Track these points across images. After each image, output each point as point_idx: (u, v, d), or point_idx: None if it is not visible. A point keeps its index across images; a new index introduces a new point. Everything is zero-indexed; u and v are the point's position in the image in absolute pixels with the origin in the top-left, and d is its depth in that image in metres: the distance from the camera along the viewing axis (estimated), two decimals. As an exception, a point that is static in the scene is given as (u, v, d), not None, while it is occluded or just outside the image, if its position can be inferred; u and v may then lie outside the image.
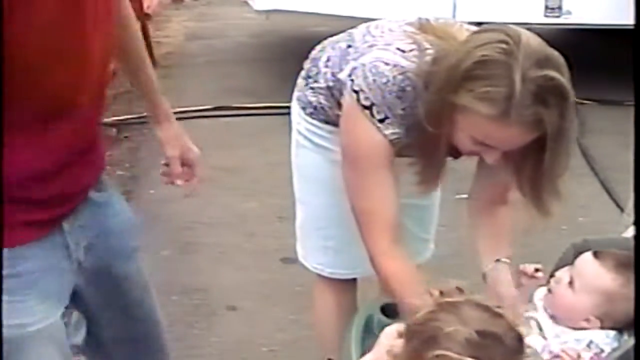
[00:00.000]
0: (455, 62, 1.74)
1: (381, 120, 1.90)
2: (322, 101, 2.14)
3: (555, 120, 1.71)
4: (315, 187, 2.22)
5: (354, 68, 1.94)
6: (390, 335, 1.53)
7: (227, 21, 8.38)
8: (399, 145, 1.95)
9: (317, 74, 2.15)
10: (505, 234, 2.16)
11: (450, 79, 1.75)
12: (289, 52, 4.26)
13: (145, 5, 7.01)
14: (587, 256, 1.89)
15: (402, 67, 1.89)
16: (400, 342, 1.49)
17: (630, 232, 2.10)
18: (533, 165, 1.83)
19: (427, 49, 1.90)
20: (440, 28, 1.96)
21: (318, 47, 2.23)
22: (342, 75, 1.99)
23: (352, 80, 1.92)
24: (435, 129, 1.79)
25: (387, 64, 1.89)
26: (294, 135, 2.27)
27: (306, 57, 2.25)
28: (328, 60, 2.13)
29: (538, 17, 5.38)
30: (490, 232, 2.14)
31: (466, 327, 1.40)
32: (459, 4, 5.52)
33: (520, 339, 1.43)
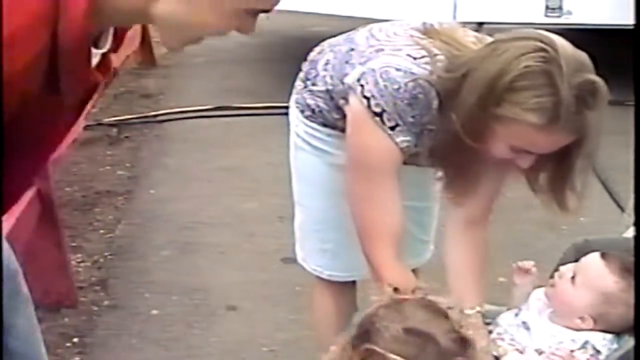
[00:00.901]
0: (496, 74, 1.72)
1: (392, 128, 1.88)
2: (321, 104, 2.13)
3: (595, 122, 1.74)
4: (314, 190, 2.22)
5: (363, 73, 1.91)
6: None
7: (227, 21, 8.37)
8: (408, 153, 1.94)
9: (316, 76, 2.14)
10: (479, 271, 2.11)
11: (491, 91, 1.73)
12: (289, 52, 4.25)
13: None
14: (594, 256, 1.90)
15: (414, 74, 1.87)
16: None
17: (630, 232, 2.11)
18: (563, 161, 1.84)
19: (436, 55, 1.89)
20: (445, 33, 1.95)
21: (317, 50, 2.22)
22: (350, 80, 1.95)
23: (362, 85, 1.90)
24: (472, 141, 1.76)
25: (398, 70, 1.88)
26: (292, 137, 2.26)
27: (306, 58, 2.24)
28: (327, 63, 2.12)
29: (539, 17, 5.37)
30: (463, 266, 2.09)
31: (399, 324, 1.39)
32: (459, 4, 5.51)
33: (462, 341, 1.40)
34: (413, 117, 1.88)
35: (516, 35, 1.81)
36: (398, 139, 1.89)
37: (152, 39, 7.03)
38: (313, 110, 2.15)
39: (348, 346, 1.43)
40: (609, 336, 1.85)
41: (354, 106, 1.94)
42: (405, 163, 2.05)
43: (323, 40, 2.24)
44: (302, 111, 2.19)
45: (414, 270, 2.38)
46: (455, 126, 1.78)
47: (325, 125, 2.14)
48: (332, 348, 1.47)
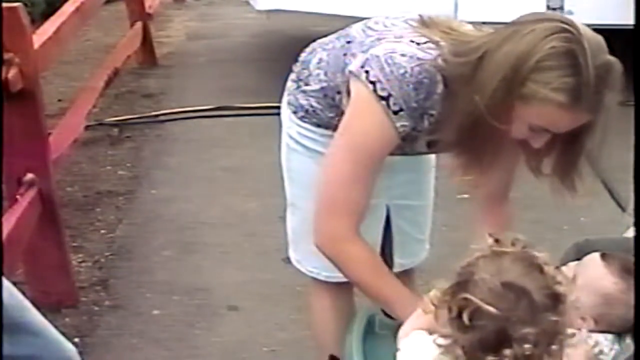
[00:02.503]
0: (521, 55, 1.73)
1: (395, 112, 1.89)
2: (314, 104, 2.12)
3: (612, 102, 1.77)
4: (309, 192, 2.21)
5: (367, 59, 1.91)
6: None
7: (228, 21, 8.38)
8: (404, 136, 1.95)
9: (309, 76, 2.13)
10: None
11: (516, 72, 1.74)
12: (290, 52, 4.23)
13: (147, 5, 7.01)
14: (595, 256, 1.89)
15: (419, 58, 1.88)
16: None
17: (631, 232, 2.10)
18: (573, 142, 1.85)
19: (439, 41, 1.90)
20: (442, 23, 1.97)
21: (307, 50, 2.21)
22: (353, 67, 1.95)
23: (367, 71, 1.90)
24: (496, 121, 1.77)
25: (403, 55, 1.88)
26: (285, 139, 2.25)
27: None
28: (320, 62, 2.11)
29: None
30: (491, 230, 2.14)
31: (496, 277, 1.48)
32: (460, 3, 5.51)
33: (554, 297, 1.49)
34: (416, 101, 1.89)
35: (537, 17, 1.82)
36: (399, 124, 1.90)
37: (153, 39, 7.05)
38: (307, 111, 2.15)
39: (448, 293, 1.52)
40: (610, 336, 1.85)
41: (358, 91, 1.94)
42: (404, 153, 2.05)
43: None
44: (294, 112, 2.18)
45: (410, 270, 2.38)
46: (475, 107, 1.78)
47: (319, 125, 2.14)
48: (432, 292, 1.57)
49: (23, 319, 1.93)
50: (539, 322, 1.47)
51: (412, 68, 1.87)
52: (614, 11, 4.87)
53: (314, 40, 2.25)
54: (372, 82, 1.89)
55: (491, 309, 1.46)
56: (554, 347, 1.49)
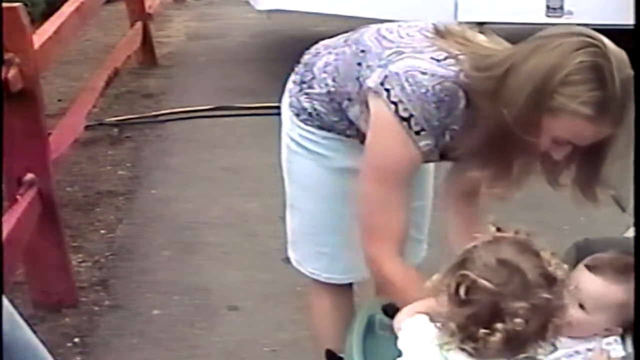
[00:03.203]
0: (550, 68, 1.75)
1: (417, 132, 1.88)
2: (318, 107, 2.12)
3: (632, 114, 1.79)
4: (310, 194, 2.21)
5: (386, 76, 1.90)
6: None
7: (228, 21, 8.38)
8: (427, 157, 1.95)
9: (312, 79, 2.13)
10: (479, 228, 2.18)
11: (545, 85, 1.75)
12: (290, 52, 4.24)
13: (147, 5, 7.01)
14: (587, 274, 1.86)
15: (441, 76, 1.87)
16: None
17: (631, 232, 2.10)
18: (595, 155, 1.86)
19: (458, 55, 1.89)
20: (456, 33, 1.96)
21: (311, 52, 2.20)
22: (372, 83, 1.93)
23: (387, 90, 1.89)
24: (525, 134, 1.78)
25: (424, 73, 1.87)
26: (285, 140, 2.25)
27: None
28: (326, 65, 2.10)
29: (540, 17, 5.37)
30: (464, 233, 2.14)
31: (492, 255, 1.58)
32: (460, 4, 5.51)
33: (548, 278, 1.57)
34: (438, 119, 1.89)
35: (564, 31, 1.83)
36: (422, 143, 1.90)
37: (153, 39, 7.05)
38: (310, 114, 2.14)
39: (447, 272, 1.62)
40: (620, 339, 1.85)
41: (378, 110, 1.93)
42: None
43: (322, 40, 2.24)
44: (297, 114, 2.17)
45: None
46: (504, 121, 1.79)
47: (321, 128, 2.13)
48: (434, 276, 1.66)
49: (13, 334, 1.93)
50: (530, 298, 1.54)
51: (433, 87, 1.87)
52: (614, 11, 4.86)
53: (315, 41, 2.25)
54: (394, 103, 1.88)
55: (486, 282, 1.55)
56: (547, 330, 1.55)
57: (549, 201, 3.11)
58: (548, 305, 1.55)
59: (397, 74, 1.89)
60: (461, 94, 1.88)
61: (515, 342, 1.55)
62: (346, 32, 2.18)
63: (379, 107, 1.92)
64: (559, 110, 1.76)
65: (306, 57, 2.21)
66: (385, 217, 1.97)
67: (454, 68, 1.88)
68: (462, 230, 2.19)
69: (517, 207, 3.69)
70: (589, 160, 1.89)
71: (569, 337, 1.85)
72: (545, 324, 1.56)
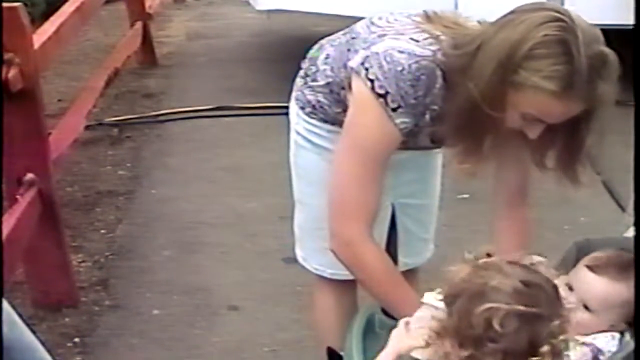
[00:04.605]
0: (515, 42, 1.75)
1: (394, 109, 1.90)
2: (321, 99, 2.13)
3: (606, 93, 1.77)
4: (316, 189, 2.21)
5: (367, 56, 1.93)
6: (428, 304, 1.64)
7: (228, 21, 8.37)
8: (406, 133, 1.95)
9: (316, 72, 2.15)
10: (528, 232, 2.16)
11: (510, 59, 1.75)
12: (290, 52, 4.24)
13: (147, 5, 7.01)
14: (589, 275, 1.85)
15: (417, 55, 1.89)
16: (441, 307, 1.57)
17: (631, 232, 2.10)
18: (573, 135, 1.86)
19: (439, 36, 1.91)
20: (447, 18, 1.98)
21: (315, 47, 2.23)
22: (354, 64, 1.96)
23: (366, 69, 1.91)
24: (490, 109, 1.78)
25: (401, 52, 1.89)
26: (293, 135, 2.26)
27: (305, 57, 2.24)
28: (327, 57, 2.13)
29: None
30: (512, 231, 2.14)
31: (510, 279, 1.49)
32: (460, 3, 5.51)
33: (556, 289, 1.54)
34: (415, 98, 1.90)
35: (533, 6, 1.84)
36: (398, 120, 1.91)
37: (153, 39, 7.05)
38: (314, 106, 2.16)
39: (462, 312, 1.49)
40: (617, 335, 1.85)
41: (357, 88, 1.95)
42: (407, 148, 2.05)
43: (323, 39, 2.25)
44: (302, 108, 2.19)
45: (414, 270, 2.39)
46: (471, 96, 1.79)
47: (325, 121, 2.15)
48: (420, 329, 1.57)
49: (12, 334, 1.93)
50: (558, 313, 1.50)
51: (409, 65, 1.88)
52: (614, 11, 4.86)
53: (315, 41, 2.26)
54: (371, 80, 1.90)
55: (523, 308, 1.46)
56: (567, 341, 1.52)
57: (549, 201, 3.11)
58: (569, 316, 1.53)
59: (377, 53, 1.91)
60: (438, 72, 1.90)
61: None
62: (347, 31, 2.19)
63: (357, 86, 1.95)
64: (523, 84, 1.76)
65: (311, 52, 2.24)
66: (357, 194, 1.97)
67: (432, 47, 1.90)
68: (513, 241, 2.11)
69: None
70: (568, 141, 1.89)
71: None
72: (566, 334, 1.52)
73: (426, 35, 1.92)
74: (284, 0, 5.87)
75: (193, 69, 6.83)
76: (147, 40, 6.84)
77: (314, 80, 2.15)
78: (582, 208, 3.81)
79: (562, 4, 5.35)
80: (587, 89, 1.75)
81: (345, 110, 2.09)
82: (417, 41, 1.92)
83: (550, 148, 1.92)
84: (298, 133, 2.23)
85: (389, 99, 1.90)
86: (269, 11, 6.11)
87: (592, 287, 1.84)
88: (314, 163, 2.20)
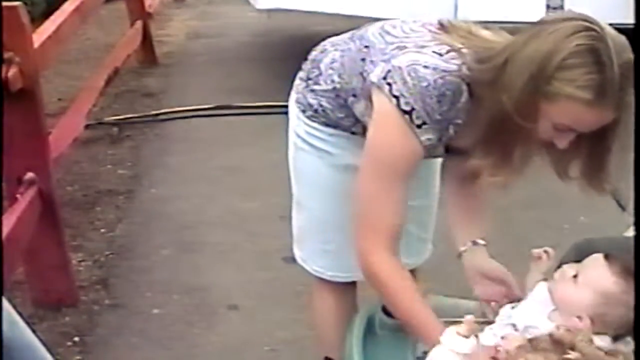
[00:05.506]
0: (547, 53, 1.75)
1: (419, 126, 1.88)
2: (324, 103, 2.12)
3: (631, 100, 1.77)
4: (315, 191, 2.21)
5: (389, 71, 1.90)
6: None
7: (228, 20, 8.38)
8: (429, 152, 1.95)
9: (319, 75, 2.13)
10: (479, 208, 2.20)
11: (542, 70, 1.75)
12: (290, 51, 4.25)
13: (147, 4, 7.01)
14: (598, 256, 1.89)
15: (442, 70, 1.87)
16: (462, 351, 1.63)
17: (631, 232, 2.10)
18: (599, 143, 1.86)
19: (461, 48, 1.89)
20: (461, 28, 1.96)
21: (318, 49, 2.21)
22: (375, 78, 1.93)
23: (389, 84, 1.89)
24: (524, 121, 1.78)
25: (426, 67, 1.87)
26: (292, 137, 2.25)
27: (307, 57, 2.24)
28: (333, 62, 2.11)
29: (540, 15, 5.33)
30: (462, 206, 2.19)
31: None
32: (460, 3, 5.51)
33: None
34: (440, 114, 1.88)
35: (561, 16, 1.84)
36: (423, 137, 1.89)
37: (153, 38, 7.05)
38: (315, 110, 2.14)
39: None
40: (607, 338, 1.85)
41: (381, 104, 1.92)
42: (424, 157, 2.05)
43: (324, 39, 2.24)
44: (303, 111, 2.18)
45: (413, 270, 2.38)
46: (503, 108, 1.79)
47: (327, 125, 2.14)
48: None
49: (12, 333, 1.93)
50: None
51: (435, 80, 1.86)
52: (614, 11, 4.86)
53: (315, 40, 2.25)
54: (396, 97, 1.87)
55: None
56: None
57: (549, 200, 3.12)
58: None
59: (399, 67, 1.88)
60: (464, 87, 1.88)
61: None
62: (348, 30, 2.18)
63: (381, 101, 1.92)
64: (557, 95, 1.76)
65: (313, 54, 2.21)
66: (380, 210, 1.95)
67: (456, 62, 1.88)
68: (463, 215, 2.19)
69: (517, 207, 3.70)
70: (594, 149, 1.88)
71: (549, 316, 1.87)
72: None
73: (448, 48, 1.90)
74: (284, -1, 5.88)
75: (193, 68, 6.83)
76: (147, 39, 6.84)
77: (317, 83, 2.14)
78: (582, 208, 3.81)
79: (563, 3, 5.36)
80: (619, 97, 1.75)
81: (349, 116, 2.08)
82: (441, 55, 1.89)
83: (575, 158, 1.91)
84: (298, 135, 2.21)
85: (414, 115, 1.87)
86: (269, 10, 6.11)
87: (593, 264, 1.85)
88: (315, 166, 2.19)
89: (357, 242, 1.99)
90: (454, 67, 1.87)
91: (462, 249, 2.15)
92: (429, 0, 5.19)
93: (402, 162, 1.94)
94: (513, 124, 1.79)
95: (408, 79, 1.87)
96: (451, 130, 1.93)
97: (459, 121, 1.92)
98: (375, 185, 1.95)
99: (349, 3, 5.61)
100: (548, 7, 5.40)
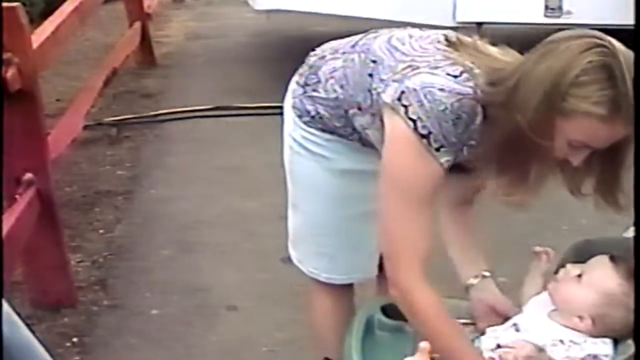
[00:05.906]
0: (560, 71, 1.75)
1: (437, 149, 1.87)
2: (321, 111, 2.11)
3: None
4: (311, 195, 2.20)
5: (403, 92, 1.88)
6: None
7: (227, 21, 8.38)
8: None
9: (318, 83, 2.12)
10: (475, 235, 2.20)
11: (556, 88, 1.75)
12: (289, 52, 4.25)
13: (145, 4, 7.01)
14: (604, 257, 1.89)
15: (458, 93, 1.86)
16: None
17: (631, 232, 2.10)
18: (612, 159, 1.86)
19: (472, 69, 1.88)
20: (467, 44, 1.96)
21: (317, 54, 2.19)
22: (388, 99, 1.91)
23: (405, 106, 1.87)
24: (540, 139, 1.78)
25: (442, 90, 1.85)
26: (288, 141, 2.23)
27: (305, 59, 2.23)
28: (333, 70, 2.09)
29: (538, 17, 5.36)
30: (461, 235, 2.19)
31: None
32: (459, 4, 5.50)
33: None
34: (455, 136, 1.87)
35: (571, 34, 1.83)
36: (442, 160, 1.88)
37: (152, 39, 7.05)
38: (313, 117, 2.13)
39: None
40: (608, 341, 1.85)
41: (395, 126, 1.90)
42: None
43: (323, 40, 2.23)
44: (300, 116, 2.16)
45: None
46: (518, 127, 1.78)
47: (323, 130, 2.12)
48: None
49: (11, 334, 1.92)
50: None
51: (452, 104, 1.85)
52: (613, 11, 4.86)
53: (314, 41, 2.24)
54: (413, 120, 1.86)
55: None
56: None
57: (548, 201, 3.11)
58: None
59: (414, 90, 1.86)
60: (479, 109, 1.87)
61: None
62: (346, 32, 2.17)
63: (396, 124, 1.89)
64: (572, 112, 1.76)
65: (312, 59, 2.19)
66: (412, 238, 1.92)
67: (470, 84, 1.87)
68: (463, 244, 2.20)
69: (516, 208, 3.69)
70: (608, 166, 1.88)
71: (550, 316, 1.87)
72: None
73: (461, 69, 1.89)
74: (283, 0, 5.88)
75: (192, 69, 6.83)
76: (145, 40, 6.84)
77: (315, 90, 2.12)
78: (581, 209, 3.80)
79: (561, 4, 5.36)
80: (632, 112, 1.75)
81: (346, 125, 2.07)
82: (455, 77, 1.88)
83: (588, 175, 1.91)
84: (294, 140, 2.20)
85: (431, 139, 1.86)
86: (267, 11, 6.12)
87: (598, 264, 1.87)
88: (311, 170, 2.18)
89: (392, 274, 1.95)
90: (469, 90, 1.86)
91: (470, 282, 2.15)
92: (428, 2, 5.20)
93: (425, 185, 1.91)
94: (529, 142, 1.78)
95: (425, 102, 1.85)
96: (465, 152, 1.92)
97: (473, 142, 1.91)
98: (402, 211, 1.91)
99: (347, 4, 5.61)
100: (546, 7, 5.40)
